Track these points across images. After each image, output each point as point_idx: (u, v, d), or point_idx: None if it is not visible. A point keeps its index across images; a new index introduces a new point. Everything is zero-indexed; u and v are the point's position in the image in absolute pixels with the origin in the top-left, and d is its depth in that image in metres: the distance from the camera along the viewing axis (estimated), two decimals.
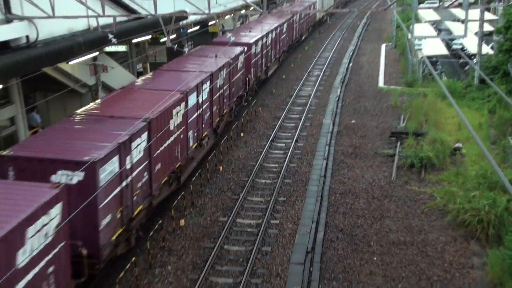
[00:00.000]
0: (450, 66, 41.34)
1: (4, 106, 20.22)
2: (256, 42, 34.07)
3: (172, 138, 19.16)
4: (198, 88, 22.10)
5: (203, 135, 23.56)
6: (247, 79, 32.62)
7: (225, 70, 26.60)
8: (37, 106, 24.03)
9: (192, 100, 21.41)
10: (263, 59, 37.47)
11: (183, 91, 20.39)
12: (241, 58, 30.59)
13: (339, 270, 16.78)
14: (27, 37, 19.08)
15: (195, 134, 22.31)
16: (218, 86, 25.62)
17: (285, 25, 45.92)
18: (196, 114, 22.20)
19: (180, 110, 19.98)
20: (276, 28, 41.49)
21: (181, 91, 20.19)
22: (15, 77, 19.18)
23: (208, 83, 23.65)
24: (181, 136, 20.27)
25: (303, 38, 59.89)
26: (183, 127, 20.46)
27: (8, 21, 18.33)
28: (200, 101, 22.66)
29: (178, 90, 20.13)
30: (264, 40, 36.80)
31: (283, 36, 45.33)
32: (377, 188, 22.58)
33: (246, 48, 31.63)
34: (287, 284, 15.94)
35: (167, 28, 22.96)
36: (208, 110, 24.12)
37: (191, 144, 21.76)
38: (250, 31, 37.37)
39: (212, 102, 24.62)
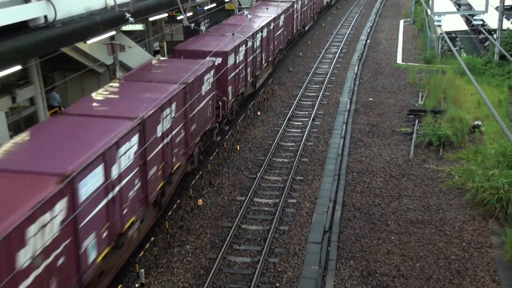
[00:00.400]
0: (470, 42, 40.78)
1: (24, 87, 20.37)
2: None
3: None
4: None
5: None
6: None
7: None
8: (56, 86, 24.24)
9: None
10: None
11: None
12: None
13: (356, 249, 16.85)
14: (45, 17, 19.12)
15: None
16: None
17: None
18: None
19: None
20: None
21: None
22: (34, 57, 19.29)
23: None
24: None
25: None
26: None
27: (26, 1, 18.39)
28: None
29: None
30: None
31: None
32: (394, 167, 22.51)
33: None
34: (304, 263, 16.05)
35: (184, 6, 22.87)
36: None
37: None
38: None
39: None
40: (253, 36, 28.77)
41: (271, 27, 33.55)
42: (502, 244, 16.86)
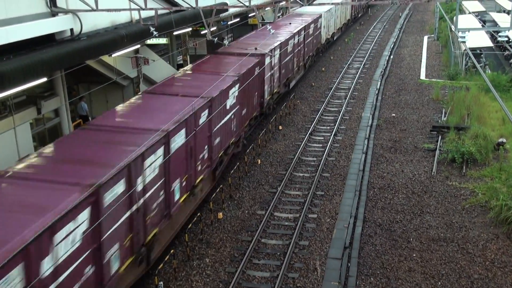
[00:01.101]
0: (495, 59, 40.38)
1: (49, 98, 20.69)
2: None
3: None
4: None
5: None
6: None
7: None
8: (84, 96, 24.65)
9: None
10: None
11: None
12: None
13: (377, 266, 16.67)
14: (71, 30, 19.46)
15: None
16: None
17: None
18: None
19: None
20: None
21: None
22: (60, 69, 19.61)
23: None
24: None
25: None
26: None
27: (53, 14, 18.73)
28: None
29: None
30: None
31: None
32: (417, 183, 22.29)
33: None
34: (324, 279, 15.92)
35: (207, 21, 23.07)
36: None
37: None
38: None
39: None
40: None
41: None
42: None
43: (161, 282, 15.10)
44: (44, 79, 17.98)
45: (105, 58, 23.10)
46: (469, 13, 56.20)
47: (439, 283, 15.80)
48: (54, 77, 20.37)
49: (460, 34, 31.31)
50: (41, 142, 20.74)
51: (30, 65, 16.17)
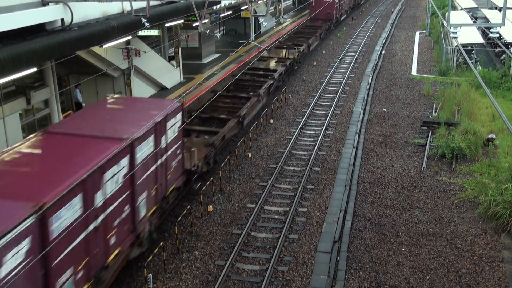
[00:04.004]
0: (486, 55, 40.51)
1: (39, 89, 20.54)
2: None
3: None
4: None
5: None
6: None
7: None
8: (80, 83, 24.55)
9: None
10: None
11: None
12: None
13: (366, 260, 16.73)
14: (62, 20, 19.29)
15: None
16: None
17: None
18: None
19: None
20: None
21: None
22: (50, 60, 19.46)
23: None
24: None
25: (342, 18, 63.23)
26: None
27: (44, 4, 18.57)
28: None
29: None
30: None
31: None
32: (406, 178, 22.37)
33: None
34: (313, 272, 15.96)
35: (199, 13, 22.97)
36: None
37: None
38: None
39: None
40: None
41: None
42: None
43: (150, 274, 15.07)
44: (34, 69, 17.84)
45: (96, 49, 22.94)
46: (461, 9, 56.37)
47: (428, 277, 15.89)
48: (44, 67, 20.22)
49: (452, 29, 31.43)
50: (30, 132, 20.59)
51: (20, 55, 16.00)
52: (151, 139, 15.12)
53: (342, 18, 62.62)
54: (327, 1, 53.47)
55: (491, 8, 53.88)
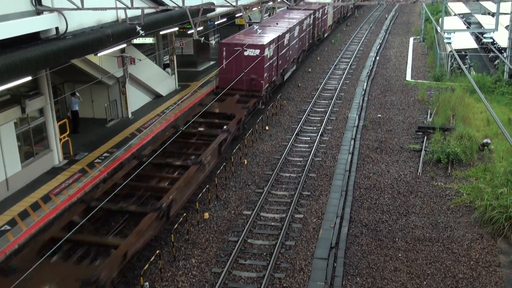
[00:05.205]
0: (479, 60, 40.69)
1: (34, 98, 20.50)
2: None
3: None
4: None
5: None
6: None
7: None
8: (76, 91, 24.55)
9: None
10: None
11: None
12: None
13: (363, 266, 16.71)
14: (56, 28, 19.32)
15: None
16: None
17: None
18: None
19: None
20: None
21: None
22: (45, 68, 19.43)
23: None
24: None
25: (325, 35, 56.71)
26: None
27: (38, 12, 18.58)
28: None
29: None
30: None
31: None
32: (402, 184, 22.40)
33: None
34: (310, 279, 15.93)
35: (194, 20, 23.01)
36: None
37: None
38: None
39: None
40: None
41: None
42: (511, 263, 16.67)
43: (147, 283, 15.01)
44: (29, 78, 17.82)
45: (91, 57, 22.95)
46: (455, 15, 56.58)
47: (425, 282, 15.88)
48: (39, 76, 20.19)
49: (446, 35, 31.58)
50: (25, 142, 20.54)
51: (15, 63, 16.00)
52: None
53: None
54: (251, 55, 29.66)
55: (484, 14, 54.15)
